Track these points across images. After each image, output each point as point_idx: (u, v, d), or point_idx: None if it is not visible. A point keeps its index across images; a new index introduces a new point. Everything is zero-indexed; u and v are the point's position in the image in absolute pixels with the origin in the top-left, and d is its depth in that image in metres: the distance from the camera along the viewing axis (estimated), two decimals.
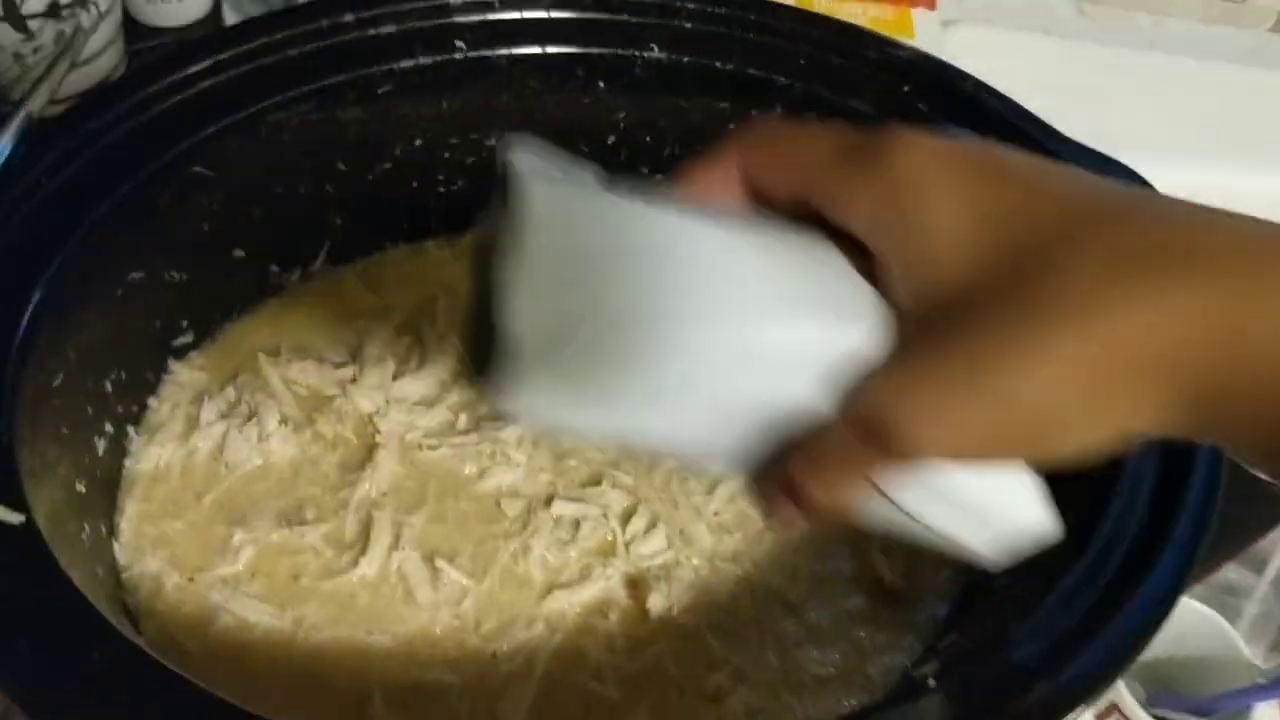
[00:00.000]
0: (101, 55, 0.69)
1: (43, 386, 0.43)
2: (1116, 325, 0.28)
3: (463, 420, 0.53)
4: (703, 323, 0.32)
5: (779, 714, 0.46)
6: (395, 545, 0.48)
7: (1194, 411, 0.28)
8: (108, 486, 0.49)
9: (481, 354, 0.33)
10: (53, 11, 0.65)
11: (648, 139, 0.60)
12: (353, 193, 0.57)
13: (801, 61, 0.56)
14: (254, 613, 0.46)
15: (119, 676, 0.34)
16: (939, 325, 0.31)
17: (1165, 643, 0.39)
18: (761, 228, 0.35)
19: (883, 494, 0.33)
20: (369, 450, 0.51)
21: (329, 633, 0.46)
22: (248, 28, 0.53)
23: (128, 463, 0.51)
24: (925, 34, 0.88)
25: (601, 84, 0.57)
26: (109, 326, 0.48)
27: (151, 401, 0.53)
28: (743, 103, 0.57)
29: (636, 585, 0.49)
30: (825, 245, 0.34)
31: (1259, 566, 0.68)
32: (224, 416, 0.52)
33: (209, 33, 0.77)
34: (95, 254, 0.46)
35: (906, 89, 0.56)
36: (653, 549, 0.50)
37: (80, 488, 0.46)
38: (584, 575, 0.49)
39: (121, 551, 0.48)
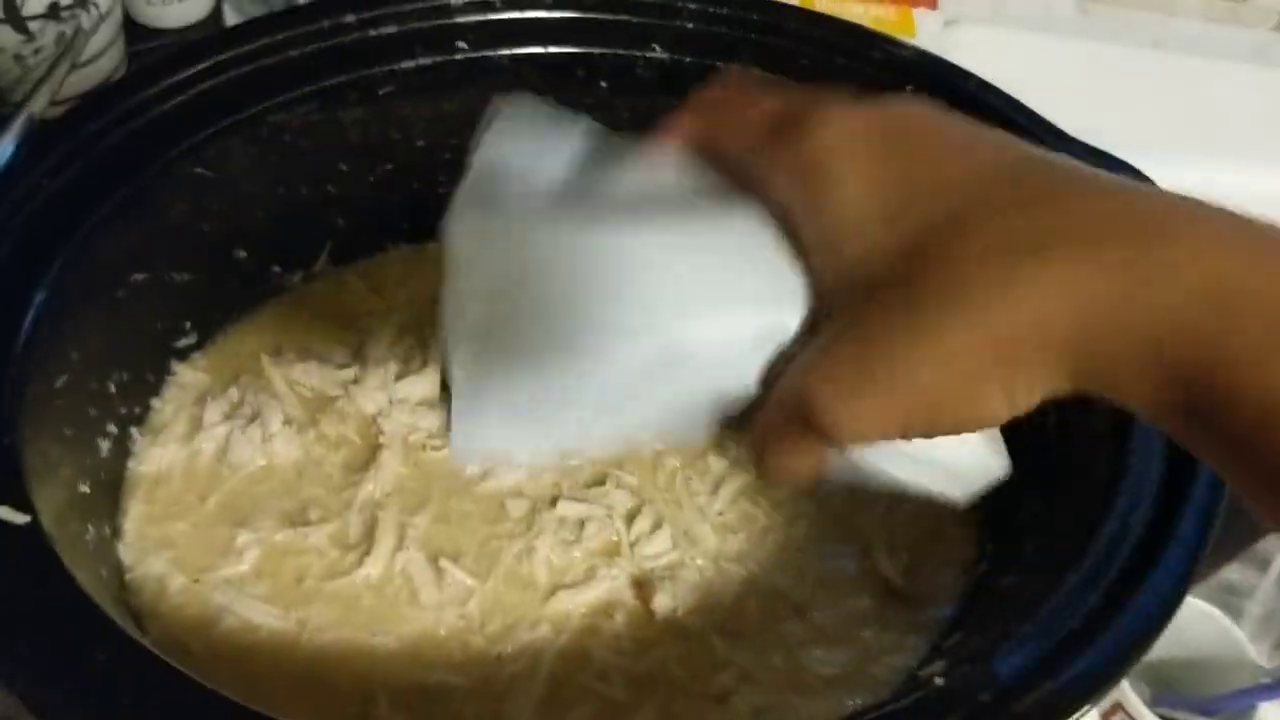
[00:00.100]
0: (102, 56, 0.69)
1: (46, 388, 0.43)
2: (1004, 309, 0.29)
3: None
4: (639, 330, 0.33)
5: (785, 714, 0.45)
6: (400, 546, 0.48)
7: (1086, 380, 0.29)
8: (111, 488, 0.49)
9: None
10: (53, 13, 0.65)
11: None
12: (354, 193, 0.57)
13: (804, 61, 0.56)
14: (258, 614, 0.46)
15: (124, 676, 0.34)
16: (848, 307, 0.32)
17: (1169, 642, 0.39)
18: (697, 208, 0.35)
19: (842, 455, 0.34)
20: (372, 451, 0.51)
21: (333, 634, 0.46)
22: (248, 29, 0.53)
23: (131, 464, 0.50)
24: (927, 34, 0.88)
25: (603, 84, 0.57)
26: (111, 328, 0.48)
27: (154, 403, 0.52)
28: None
29: (642, 586, 0.48)
30: (758, 220, 0.35)
31: (1262, 566, 0.68)
32: (227, 418, 0.52)
33: (210, 34, 0.77)
34: (97, 255, 0.46)
35: (910, 89, 0.56)
36: (657, 550, 0.50)
37: (84, 489, 0.46)
38: (589, 576, 0.49)
39: (125, 553, 0.48)
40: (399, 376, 0.53)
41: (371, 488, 0.50)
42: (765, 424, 0.34)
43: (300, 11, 0.53)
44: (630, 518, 0.51)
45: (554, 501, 0.51)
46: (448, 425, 0.35)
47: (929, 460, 0.36)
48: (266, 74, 0.51)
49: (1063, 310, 0.28)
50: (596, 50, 0.56)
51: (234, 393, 0.53)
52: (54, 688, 0.33)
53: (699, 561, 0.50)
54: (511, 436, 0.35)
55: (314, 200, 0.56)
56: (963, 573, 0.51)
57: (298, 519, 0.49)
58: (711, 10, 0.57)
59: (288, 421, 0.52)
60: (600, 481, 0.52)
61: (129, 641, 0.35)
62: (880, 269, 0.31)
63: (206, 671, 0.34)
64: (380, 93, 0.53)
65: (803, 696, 0.46)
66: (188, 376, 0.54)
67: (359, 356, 0.55)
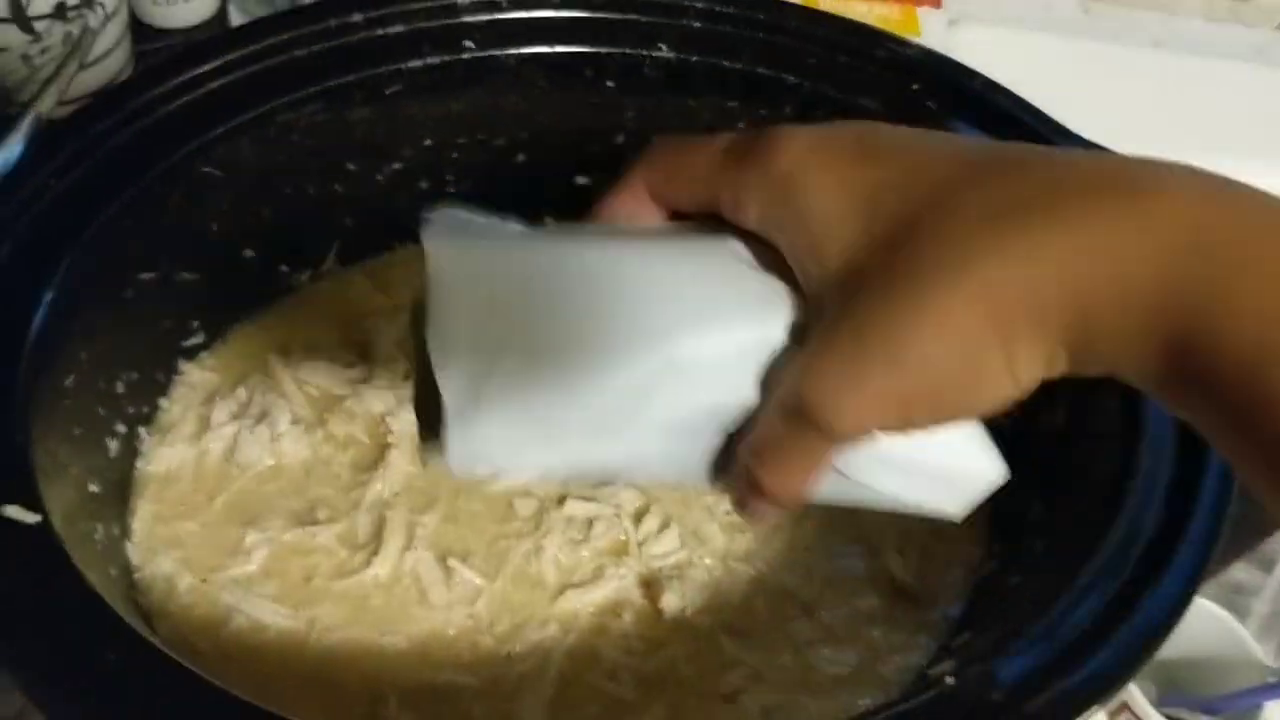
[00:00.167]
0: (108, 56, 0.69)
1: (55, 388, 0.43)
2: (986, 280, 0.29)
3: None
4: (629, 350, 0.33)
5: (794, 713, 0.45)
6: (408, 545, 0.48)
7: (1081, 346, 0.30)
8: (120, 487, 0.49)
9: (432, 415, 0.34)
10: (59, 13, 0.65)
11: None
12: (362, 193, 0.57)
13: (811, 61, 0.56)
14: (267, 613, 0.46)
15: (134, 676, 0.34)
16: (837, 306, 0.32)
17: (1175, 642, 0.39)
18: (675, 238, 0.36)
19: (837, 471, 0.34)
20: (381, 450, 0.51)
21: (342, 634, 0.46)
22: (256, 28, 0.53)
23: (139, 464, 0.50)
24: (932, 33, 0.88)
25: (610, 83, 0.57)
26: (120, 328, 0.48)
27: (163, 402, 0.52)
28: (752, 102, 0.56)
29: (650, 585, 0.48)
30: (736, 244, 0.35)
31: (1268, 565, 0.68)
32: (235, 417, 0.52)
33: (217, 33, 0.77)
34: (105, 255, 0.46)
35: (916, 87, 0.56)
36: (665, 549, 0.50)
37: (93, 488, 0.46)
38: (597, 575, 0.49)
39: (134, 552, 0.48)
40: (407, 375, 0.53)
41: (380, 487, 0.50)
42: (762, 433, 0.34)
43: (307, 11, 0.53)
44: (638, 517, 0.51)
45: (562, 501, 0.51)
46: (423, 436, 0.35)
47: (922, 471, 0.35)
48: (274, 73, 0.51)
49: (1055, 270, 0.29)
50: (603, 50, 0.56)
51: (242, 392, 0.53)
52: (64, 687, 0.33)
53: (707, 560, 0.50)
54: (509, 454, 0.34)
55: (321, 200, 0.56)
56: (971, 572, 0.51)
57: (306, 518, 0.49)
58: (718, 9, 0.57)
59: (296, 421, 0.52)
60: (608, 481, 0.52)
61: (139, 641, 0.35)
62: (865, 261, 0.31)
63: (215, 671, 0.34)
64: (387, 92, 0.53)
65: (812, 696, 0.46)
66: (196, 376, 0.54)
67: (367, 356, 0.55)
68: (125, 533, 0.48)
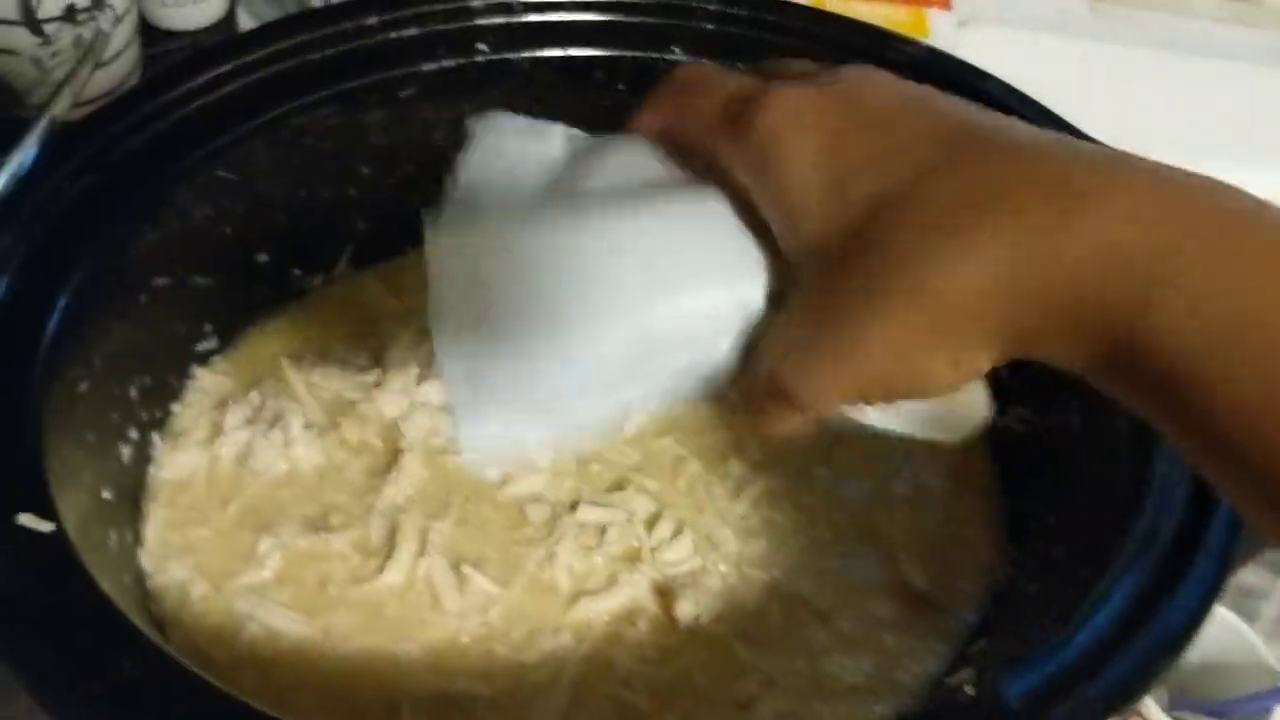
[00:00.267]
0: (118, 59, 0.69)
1: (69, 393, 0.43)
2: (929, 289, 0.31)
3: None
4: (612, 315, 0.35)
5: None
6: (422, 551, 0.48)
7: (1023, 345, 0.31)
8: (133, 493, 0.49)
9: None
10: (69, 16, 0.65)
11: None
12: (375, 196, 0.57)
13: (824, 63, 0.56)
14: (281, 621, 0.46)
15: (149, 685, 0.33)
16: (809, 278, 0.34)
17: None
18: (663, 195, 0.37)
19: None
20: (394, 455, 0.51)
21: (357, 642, 0.46)
22: (269, 31, 0.53)
23: (152, 469, 0.50)
24: (941, 34, 0.88)
25: (622, 86, 0.57)
26: (133, 332, 0.48)
27: (175, 408, 0.52)
28: None
29: (664, 593, 0.48)
30: (724, 203, 0.37)
31: (1277, 569, 0.68)
32: (248, 422, 0.52)
33: (231, 36, 0.77)
34: (119, 260, 0.46)
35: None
36: (679, 555, 0.49)
37: (106, 495, 0.46)
38: (610, 582, 0.48)
39: (147, 559, 0.47)
40: (420, 380, 0.53)
41: (393, 492, 0.50)
42: (746, 394, 0.36)
43: (321, 14, 0.53)
44: (651, 523, 0.51)
45: (574, 506, 0.51)
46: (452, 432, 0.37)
47: (910, 412, 0.37)
48: (288, 77, 0.51)
49: (993, 278, 0.30)
50: (616, 52, 0.56)
51: (255, 397, 0.53)
52: (78, 698, 0.33)
53: (721, 567, 0.50)
54: (513, 430, 0.36)
55: (335, 203, 0.56)
56: (987, 578, 0.51)
57: (320, 524, 0.49)
58: (730, 12, 0.57)
59: (309, 426, 0.52)
60: (620, 486, 0.52)
61: (153, 650, 0.35)
62: (834, 244, 0.33)
63: (229, 680, 0.34)
64: (401, 95, 0.53)
65: (826, 703, 0.46)
66: (208, 381, 0.53)
67: (380, 360, 0.54)
68: (138, 539, 0.48)
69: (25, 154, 0.45)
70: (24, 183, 0.45)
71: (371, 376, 0.54)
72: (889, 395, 0.34)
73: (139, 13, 0.72)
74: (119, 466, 0.48)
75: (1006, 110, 0.55)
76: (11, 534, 0.36)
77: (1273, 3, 1.01)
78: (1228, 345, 0.27)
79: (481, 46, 0.54)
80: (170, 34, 0.77)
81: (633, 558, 0.50)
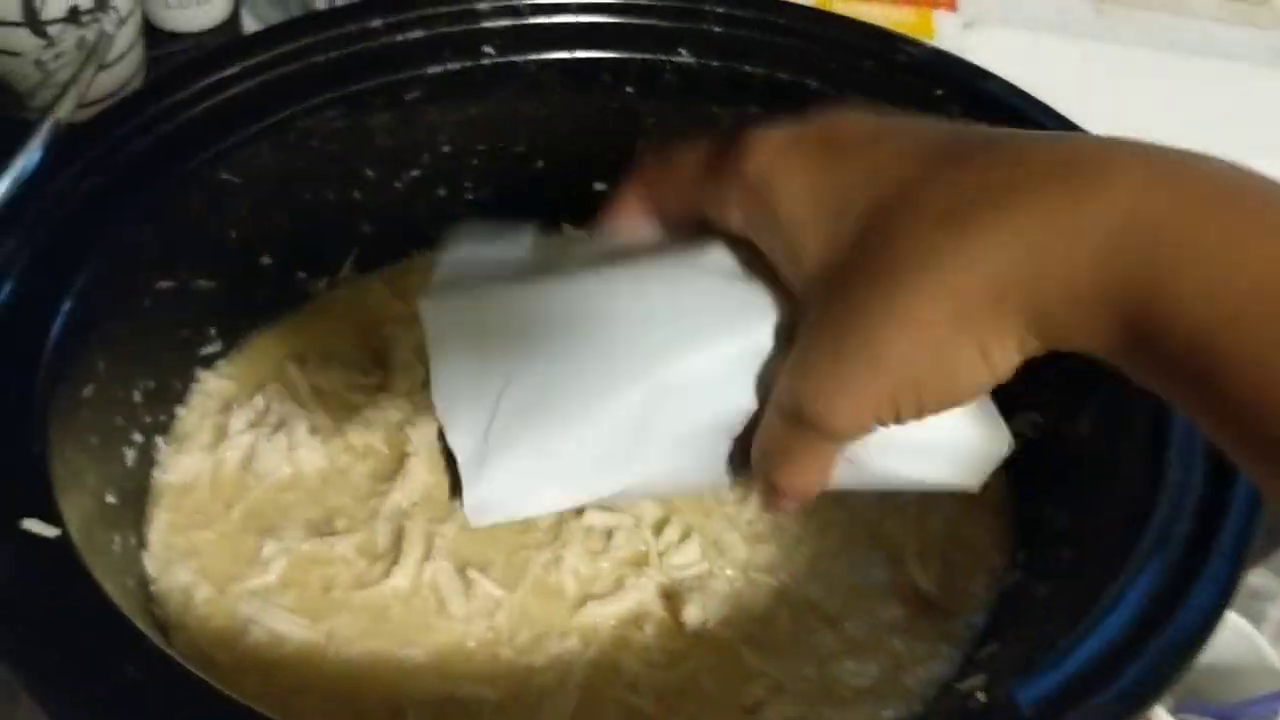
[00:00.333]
0: (121, 61, 0.68)
1: (73, 397, 0.43)
2: (946, 281, 0.30)
3: None
4: (621, 377, 0.35)
5: None
6: (427, 556, 0.48)
7: (1047, 332, 0.30)
8: (137, 497, 0.49)
9: (454, 470, 0.35)
10: (73, 17, 0.64)
11: None
12: (380, 199, 0.56)
13: (832, 65, 0.56)
14: (285, 625, 0.45)
15: (153, 689, 0.33)
16: (820, 305, 0.33)
17: None
18: (659, 258, 0.37)
19: (848, 459, 0.36)
20: (400, 459, 0.51)
21: (361, 645, 0.46)
22: (274, 34, 0.53)
23: (156, 473, 0.50)
24: (947, 36, 0.88)
25: (629, 89, 0.57)
26: (138, 336, 0.48)
27: (180, 411, 0.52)
28: (773, 107, 0.56)
29: (671, 597, 0.48)
30: (722, 253, 0.37)
31: None
32: (253, 426, 0.51)
33: (236, 38, 0.77)
34: (123, 263, 0.46)
35: (939, 92, 0.55)
36: (686, 560, 0.49)
37: (110, 499, 0.45)
38: (617, 586, 0.48)
39: (151, 563, 0.47)
40: (425, 383, 0.53)
41: (398, 496, 0.50)
42: (767, 436, 0.35)
43: (327, 16, 0.53)
44: (658, 527, 0.50)
45: (580, 511, 0.50)
46: (452, 491, 0.36)
47: (930, 449, 0.37)
48: (293, 79, 0.51)
49: (1013, 263, 0.30)
50: (623, 55, 0.56)
51: (259, 400, 0.52)
52: (82, 700, 0.33)
53: (728, 572, 0.49)
54: (524, 494, 0.35)
55: (340, 206, 0.56)
56: (995, 580, 0.50)
57: (324, 528, 0.49)
58: (737, 14, 0.57)
59: (313, 430, 0.51)
60: (629, 501, 0.52)
61: (157, 654, 0.35)
62: (839, 261, 0.32)
63: (233, 683, 0.34)
64: (407, 98, 0.53)
65: (835, 708, 0.46)
66: (213, 384, 0.53)
67: (384, 364, 0.54)
68: (142, 543, 0.48)
69: (29, 156, 0.45)
70: (28, 185, 0.45)
71: (376, 380, 0.54)
72: (921, 401, 0.32)
73: (143, 14, 0.72)
74: (123, 470, 0.48)
75: (1010, 110, 0.56)
76: (15, 537, 0.36)
77: (1274, 3, 1.01)
78: (1244, 314, 0.27)
79: (488, 49, 0.54)
80: (174, 36, 0.77)
81: (640, 562, 0.49)
